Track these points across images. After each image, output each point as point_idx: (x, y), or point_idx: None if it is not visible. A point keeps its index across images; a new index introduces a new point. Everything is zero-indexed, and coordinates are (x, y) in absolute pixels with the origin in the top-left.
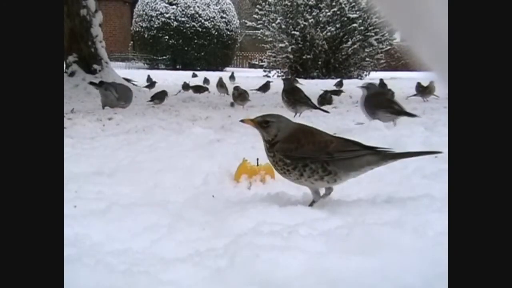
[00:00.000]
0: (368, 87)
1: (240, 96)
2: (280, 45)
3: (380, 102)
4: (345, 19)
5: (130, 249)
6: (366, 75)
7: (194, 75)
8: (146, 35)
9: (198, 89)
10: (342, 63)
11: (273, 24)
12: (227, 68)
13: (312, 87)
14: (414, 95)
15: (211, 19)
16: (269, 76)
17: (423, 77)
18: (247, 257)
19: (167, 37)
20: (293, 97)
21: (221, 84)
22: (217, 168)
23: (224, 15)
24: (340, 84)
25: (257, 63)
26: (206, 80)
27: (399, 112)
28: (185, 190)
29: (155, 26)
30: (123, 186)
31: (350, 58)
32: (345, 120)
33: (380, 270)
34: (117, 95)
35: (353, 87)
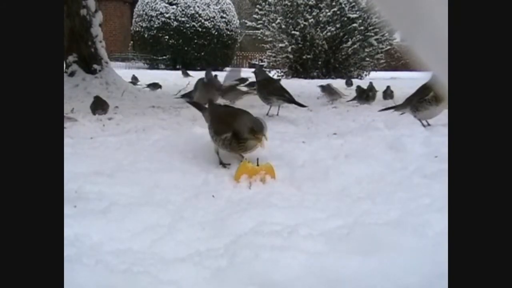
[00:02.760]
0: (255, 72)
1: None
2: (280, 45)
3: (273, 89)
4: (345, 19)
5: (130, 249)
6: (366, 75)
7: (186, 75)
8: (146, 35)
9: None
10: (342, 63)
11: (273, 24)
12: (227, 68)
13: (312, 87)
14: (352, 99)
15: (211, 19)
16: None
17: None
18: (247, 257)
19: (167, 37)
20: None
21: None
22: (217, 168)
23: (224, 15)
24: (349, 83)
25: (257, 63)
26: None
27: (291, 100)
28: (185, 190)
29: (155, 26)
30: (123, 186)
31: (350, 58)
32: (345, 120)
33: (380, 270)
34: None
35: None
